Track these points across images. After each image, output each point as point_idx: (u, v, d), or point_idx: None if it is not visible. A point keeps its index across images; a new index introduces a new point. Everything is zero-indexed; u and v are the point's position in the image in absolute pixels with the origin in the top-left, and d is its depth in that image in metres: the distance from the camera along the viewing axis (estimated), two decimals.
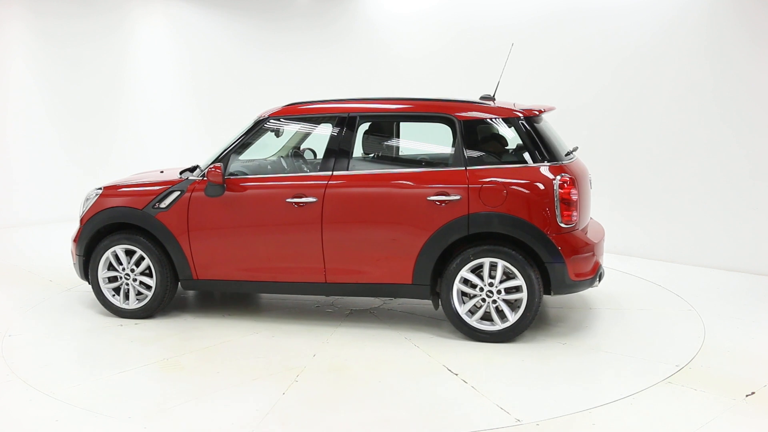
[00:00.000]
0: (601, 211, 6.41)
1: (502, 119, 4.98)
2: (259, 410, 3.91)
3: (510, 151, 5.06)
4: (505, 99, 5.65)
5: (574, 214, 4.77)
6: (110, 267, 5.45)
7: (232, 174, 5.26)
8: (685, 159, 7.14)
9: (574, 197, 4.75)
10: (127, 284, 5.44)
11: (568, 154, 5.10)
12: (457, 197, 4.82)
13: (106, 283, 5.47)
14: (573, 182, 4.77)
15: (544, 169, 4.80)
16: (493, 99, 5.33)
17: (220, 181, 5.15)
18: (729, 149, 6.84)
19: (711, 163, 6.96)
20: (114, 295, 5.47)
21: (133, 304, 5.42)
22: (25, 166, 9.46)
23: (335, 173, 5.07)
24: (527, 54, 8.15)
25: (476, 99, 5.25)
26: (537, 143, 4.87)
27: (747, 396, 4.02)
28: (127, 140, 10.36)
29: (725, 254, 6.91)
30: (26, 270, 7.04)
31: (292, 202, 5.07)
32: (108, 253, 5.40)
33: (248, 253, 5.22)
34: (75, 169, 9.89)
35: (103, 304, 5.50)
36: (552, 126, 5.35)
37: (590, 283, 4.91)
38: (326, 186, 5.05)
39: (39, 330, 5.27)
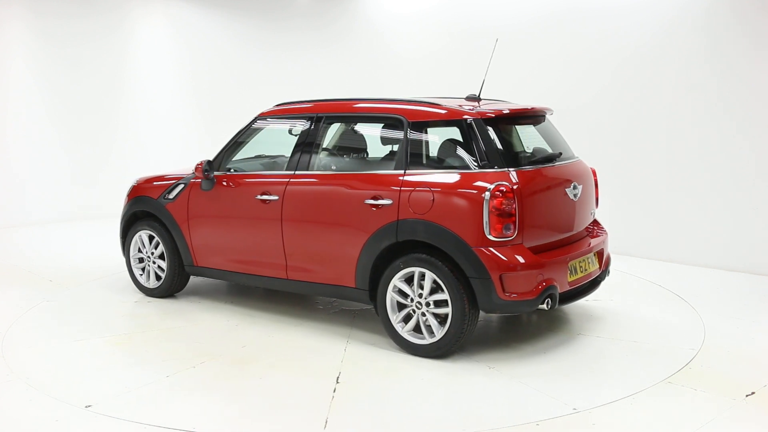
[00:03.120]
0: (601, 211, 6.40)
1: (452, 121, 4.67)
2: (126, 387, 4.18)
3: (460, 154, 4.64)
4: (509, 99, 5.65)
5: (509, 226, 4.34)
6: (139, 249, 6.09)
7: (229, 170, 5.59)
8: (685, 159, 7.14)
9: (509, 208, 4.33)
10: (148, 265, 6.02)
11: (547, 159, 4.76)
12: (389, 202, 4.63)
13: (136, 264, 6.11)
14: (511, 191, 4.33)
15: (483, 176, 4.41)
16: (478, 99, 5.16)
17: (201, 176, 5.58)
18: (729, 149, 6.84)
19: (711, 163, 6.96)
20: (141, 275, 6.09)
21: (152, 283, 6.01)
22: (25, 166, 9.46)
23: (297, 172, 5.16)
24: (527, 54, 8.15)
25: (426, 98, 4.99)
26: (487, 147, 4.48)
27: (747, 396, 4.02)
28: (127, 140, 10.36)
29: (725, 254, 6.91)
30: (26, 270, 7.04)
31: (260, 199, 5.24)
32: (136, 237, 6.07)
33: (231, 246, 5.52)
34: (75, 169, 9.89)
35: (132, 281, 6.17)
36: (551, 127, 5.21)
37: (531, 304, 4.40)
38: (287, 185, 5.16)
39: (39, 330, 5.27)
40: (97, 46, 9.94)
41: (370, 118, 5.22)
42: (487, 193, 4.33)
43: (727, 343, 4.86)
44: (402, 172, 4.68)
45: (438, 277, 4.47)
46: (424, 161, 4.72)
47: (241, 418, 3.83)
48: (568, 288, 4.64)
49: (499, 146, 4.53)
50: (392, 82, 9.40)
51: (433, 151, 4.80)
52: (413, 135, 4.74)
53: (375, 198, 4.70)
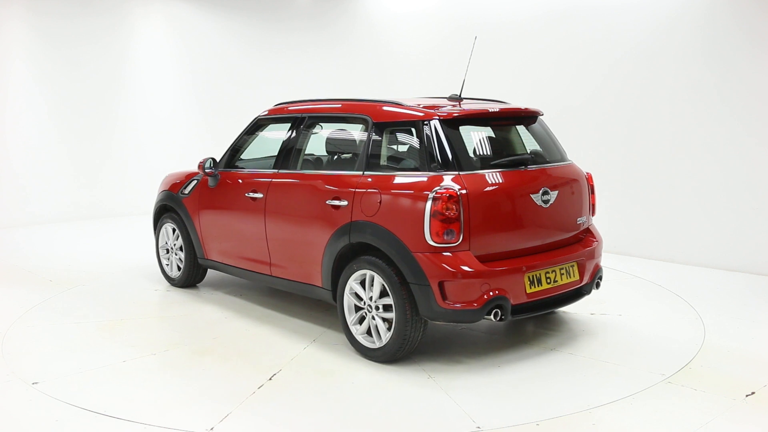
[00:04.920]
0: (601, 211, 6.40)
1: (412, 121, 4.51)
2: (80, 368, 4.43)
3: (417, 155, 4.45)
4: (507, 99, 5.65)
5: (451, 232, 4.13)
6: (166, 241, 6.40)
7: (236, 167, 5.75)
8: (685, 158, 7.14)
9: (452, 213, 4.11)
10: (171, 256, 6.34)
11: (516, 163, 4.52)
12: (345, 203, 4.60)
13: (163, 254, 6.44)
14: (456, 195, 4.12)
15: (431, 179, 4.23)
16: (460, 99, 5.08)
17: (201, 173, 5.84)
18: (728, 149, 6.84)
19: (711, 162, 6.97)
20: (167, 264, 6.43)
21: (174, 273, 6.34)
22: (25, 166, 9.47)
23: (280, 171, 5.24)
24: (527, 53, 8.16)
25: (393, 98, 4.86)
26: (442, 148, 4.30)
27: (747, 396, 4.02)
28: (127, 140, 10.37)
29: (725, 254, 6.91)
30: (26, 270, 7.04)
31: (249, 197, 5.38)
32: (162, 229, 6.41)
33: (229, 241, 5.70)
34: (75, 168, 9.89)
35: (160, 270, 6.53)
36: (541, 128, 4.97)
37: (475, 314, 4.15)
38: (269, 184, 5.25)
39: (39, 330, 5.27)
40: (97, 46, 9.95)
41: (340, 118, 5.20)
42: (430, 196, 4.16)
43: (727, 343, 4.86)
44: (361, 173, 4.62)
45: (384, 280, 4.36)
46: (383, 162, 4.60)
47: (153, 405, 3.92)
48: (525, 300, 4.34)
49: (458, 148, 4.33)
50: (393, 82, 9.41)
51: (394, 152, 4.68)
52: (375, 135, 4.65)
53: (335, 198, 4.70)
